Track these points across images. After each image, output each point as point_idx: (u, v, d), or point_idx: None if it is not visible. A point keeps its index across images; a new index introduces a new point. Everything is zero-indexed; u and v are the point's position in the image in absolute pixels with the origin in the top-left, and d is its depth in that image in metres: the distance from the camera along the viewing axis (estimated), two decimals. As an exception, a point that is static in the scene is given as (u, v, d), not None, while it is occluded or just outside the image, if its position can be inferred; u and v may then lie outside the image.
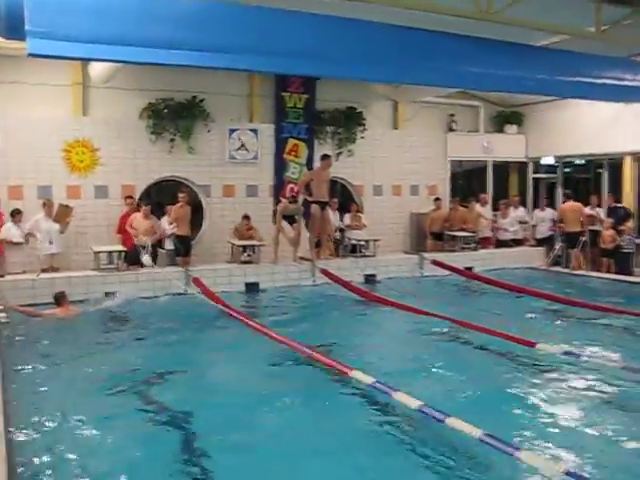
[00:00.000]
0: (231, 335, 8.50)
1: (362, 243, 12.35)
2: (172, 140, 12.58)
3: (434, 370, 6.95)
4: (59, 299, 8.97)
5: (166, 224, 11.71)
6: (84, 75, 11.96)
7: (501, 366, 7.19)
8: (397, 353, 8.20)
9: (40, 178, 11.62)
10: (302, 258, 11.79)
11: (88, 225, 11.78)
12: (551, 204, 16.00)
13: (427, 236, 14.36)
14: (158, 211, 12.04)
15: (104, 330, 8.71)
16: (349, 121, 14.34)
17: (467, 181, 17.47)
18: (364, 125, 14.50)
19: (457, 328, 8.48)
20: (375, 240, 12.64)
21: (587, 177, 17.21)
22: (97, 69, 11.26)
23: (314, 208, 11.63)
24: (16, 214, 10.73)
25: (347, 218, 13.63)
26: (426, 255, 12.73)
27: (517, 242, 15.14)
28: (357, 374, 5.86)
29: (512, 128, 16.58)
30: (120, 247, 10.62)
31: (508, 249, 14.45)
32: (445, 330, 8.58)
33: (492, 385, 6.48)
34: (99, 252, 10.19)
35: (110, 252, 10.28)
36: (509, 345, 7.50)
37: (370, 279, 12.02)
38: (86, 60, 6.81)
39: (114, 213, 12.07)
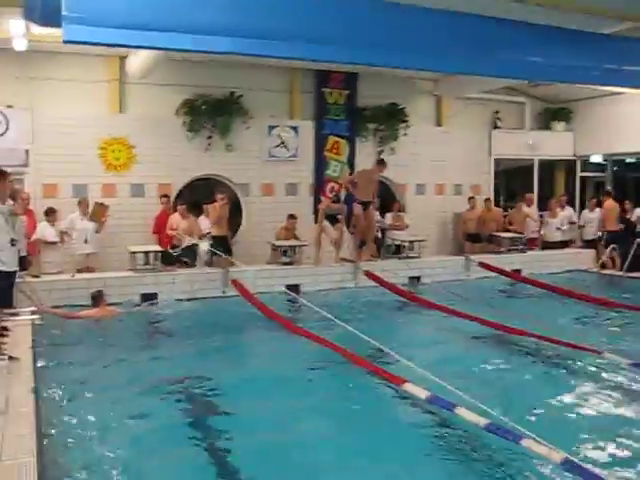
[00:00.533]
0: (272, 339, 8.10)
1: (406, 244, 11.81)
2: (209, 137, 12.23)
3: (490, 381, 6.49)
4: (96, 298, 8.65)
5: (205, 223, 11.33)
6: (121, 71, 11.66)
7: (564, 376, 6.66)
8: (447, 361, 7.60)
9: (75, 176, 11.34)
10: (344, 259, 11.32)
11: (124, 224, 11.45)
12: (599, 204, 15.29)
13: (461, 238, 13.81)
14: (193, 211, 11.67)
15: (140, 333, 8.38)
16: (391, 118, 13.85)
17: (512, 180, 16.85)
18: (407, 122, 13.97)
19: (511, 335, 7.95)
20: (420, 241, 12.11)
21: (638, 176, 16.48)
22: (134, 64, 10.94)
23: (357, 208, 11.15)
24: (50, 213, 10.43)
25: (389, 218, 13.13)
26: (473, 257, 12.15)
27: (564, 244, 14.48)
28: (410, 387, 5.36)
29: (559, 125, 15.92)
30: (157, 247, 10.26)
31: (557, 251, 13.78)
32: (497, 337, 8.06)
33: (555, 397, 5.96)
34: (135, 252, 9.83)
35: (146, 252, 9.92)
36: (570, 353, 6.97)
37: (414, 281, 11.48)
38: (123, 46, 6.36)
39: (150, 212, 11.74)
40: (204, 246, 9.88)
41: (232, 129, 12.35)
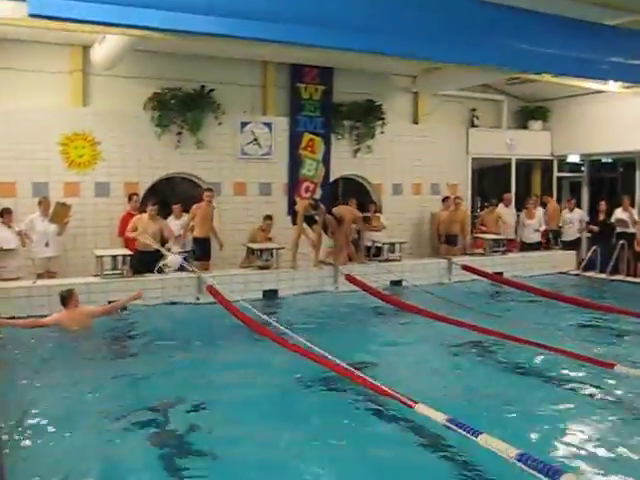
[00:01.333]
0: (252, 351, 7.51)
1: (386, 246, 11.32)
2: (179, 133, 11.56)
3: (490, 398, 5.97)
4: (66, 298, 7.77)
5: (174, 225, 10.67)
6: (85, 61, 10.92)
7: (571, 392, 6.22)
8: (439, 373, 7.17)
9: (35, 174, 10.57)
10: (322, 262, 10.78)
11: (88, 226, 10.77)
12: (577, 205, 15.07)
13: (436, 239, 13.40)
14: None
15: (106, 346, 7.66)
16: (368, 115, 13.35)
17: (487, 180, 16.55)
18: (383, 119, 13.49)
19: (506, 344, 7.50)
20: (401, 243, 11.64)
21: (613, 176, 16.33)
22: (99, 54, 10.21)
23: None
24: (6, 214, 9.64)
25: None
26: (455, 259, 11.73)
27: (541, 245, 14.21)
28: (423, 408, 4.81)
29: (537, 124, 15.64)
30: (125, 251, 9.54)
31: (537, 253, 13.47)
32: (493, 346, 7.63)
33: (566, 420, 5.50)
34: (102, 256, 9.10)
35: (114, 256, 9.20)
36: (573, 364, 6.56)
37: (396, 286, 11.01)
38: (90, 23, 5.67)
39: (116, 213, 11.04)
40: (174, 262, 9.15)
41: (203, 125, 11.71)
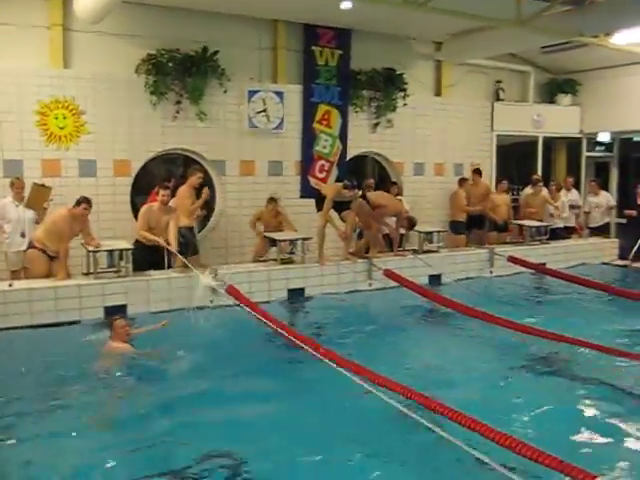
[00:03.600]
0: (296, 369, 5.95)
1: (422, 236, 9.75)
2: (178, 103, 9.81)
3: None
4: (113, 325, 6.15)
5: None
6: (65, 13, 9.08)
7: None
8: (503, 388, 5.74)
9: (6, 150, 8.79)
10: (353, 254, 9.18)
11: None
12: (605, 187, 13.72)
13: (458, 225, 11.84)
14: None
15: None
16: (389, 85, 11.72)
17: (509, 159, 15.04)
18: (405, 90, 11.88)
19: (574, 350, 6.31)
20: (439, 231, 10.07)
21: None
22: (83, 5, 8.38)
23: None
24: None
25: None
26: (498, 250, 10.23)
27: (568, 231, 12.81)
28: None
29: (566, 98, 14.17)
30: (124, 244, 7.78)
31: (579, 241, 12.06)
32: (562, 353, 6.31)
33: None
34: (95, 251, 7.34)
35: (110, 251, 7.44)
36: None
37: (435, 280, 9.49)
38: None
39: (104, 196, 9.31)
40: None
41: (205, 93, 9.95)
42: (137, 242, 7.83)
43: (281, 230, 9.43)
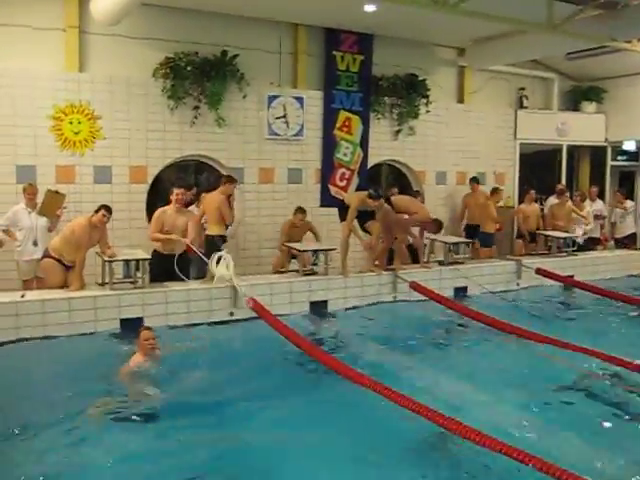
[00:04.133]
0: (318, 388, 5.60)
1: (449, 246, 9.38)
2: (196, 108, 9.52)
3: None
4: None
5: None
6: (82, 15, 8.82)
7: None
8: (542, 411, 5.35)
9: (20, 155, 8.51)
10: (377, 266, 8.82)
11: (86, 219, 8.66)
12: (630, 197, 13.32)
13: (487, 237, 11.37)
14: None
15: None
16: (411, 91, 11.39)
17: (531, 168, 14.65)
18: (428, 97, 11.55)
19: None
20: (467, 243, 9.70)
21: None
22: (100, 7, 8.12)
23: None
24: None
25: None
26: (526, 262, 9.86)
27: (593, 242, 12.43)
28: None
29: (590, 106, 13.80)
30: (141, 253, 7.46)
31: (605, 253, 11.67)
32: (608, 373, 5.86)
33: None
34: (112, 261, 7.02)
35: (127, 261, 7.12)
36: None
37: (460, 293, 9.12)
38: None
39: (120, 203, 9.00)
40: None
41: (224, 98, 9.65)
42: (155, 252, 7.50)
43: (300, 241, 9.09)
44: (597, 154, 14.37)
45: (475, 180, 11.67)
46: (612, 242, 12.56)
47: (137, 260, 7.10)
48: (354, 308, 8.23)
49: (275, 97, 10.17)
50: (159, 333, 6.53)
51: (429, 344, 7.15)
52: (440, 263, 9.34)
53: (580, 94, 13.82)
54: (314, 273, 8.18)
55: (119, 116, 9.07)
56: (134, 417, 4.84)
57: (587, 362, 6.19)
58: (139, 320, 6.80)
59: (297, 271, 8.46)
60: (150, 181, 9.41)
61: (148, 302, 6.94)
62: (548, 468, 3.60)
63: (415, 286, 8.20)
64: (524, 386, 5.83)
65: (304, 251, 8.13)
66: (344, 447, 4.44)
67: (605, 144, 14.02)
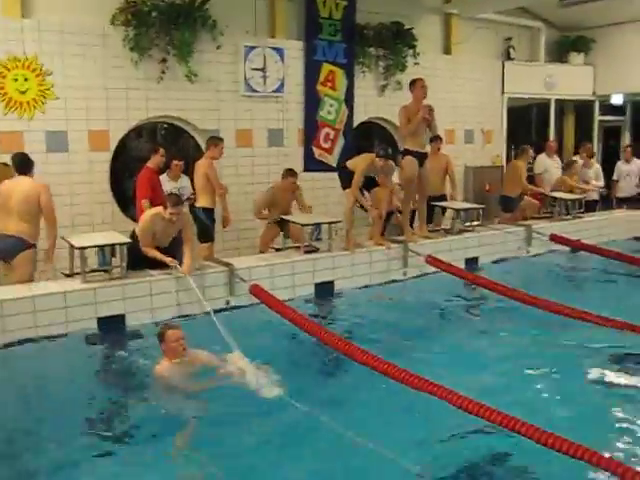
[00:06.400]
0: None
1: (462, 213, 8.39)
2: (163, 61, 8.17)
3: None
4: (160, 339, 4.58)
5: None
6: (23, -52, 7.31)
7: None
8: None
9: (-46, 120, 7.05)
10: (387, 239, 7.76)
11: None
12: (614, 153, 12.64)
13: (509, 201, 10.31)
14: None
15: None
16: (398, 41, 10.28)
17: (519, 124, 13.75)
18: (415, 48, 10.46)
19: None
20: (478, 208, 8.72)
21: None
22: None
23: (410, 162, 7.57)
24: None
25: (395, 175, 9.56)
26: (536, 227, 8.99)
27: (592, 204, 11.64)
28: None
29: (578, 57, 12.96)
30: (118, 237, 6.16)
31: (611, 214, 10.89)
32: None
33: None
34: (83, 248, 5.72)
35: (102, 247, 5.83)
36: None
37: (472, 264, 8.21)
38: None
39: (78, 175, 7.69)
40: None
41: (195, 50, 8.34)
42: (135, 234, 6.22)
43: (286, 211, 7.97)
44: (582, 109, 13.62)
45: (439, 139, 9.54)
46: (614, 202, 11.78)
47: (114, 245, 5.82)
48: (364, 288, 7.17)
49: (253, 48, 8.89)
50: (145, 331, 5.40)
51: (450, 323, 6.24)
52: (447, 232, 8.35)
53: (568, 45, 12.98)
54: (316, 250, 7.06)
55: (73, 72, 7.67)
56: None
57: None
58: (120, 318, 5.58)
59: (290, 248, 7.36)
60: (113, 148, 8.06)
61: (130, 296, 5.70)
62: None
63: (432, 261, 7.19)
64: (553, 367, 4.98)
65: (307, 225, 6.98)
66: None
67: (593, 98, 13.23)
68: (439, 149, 9.15)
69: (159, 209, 5.99)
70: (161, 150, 7.29)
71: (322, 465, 3.67)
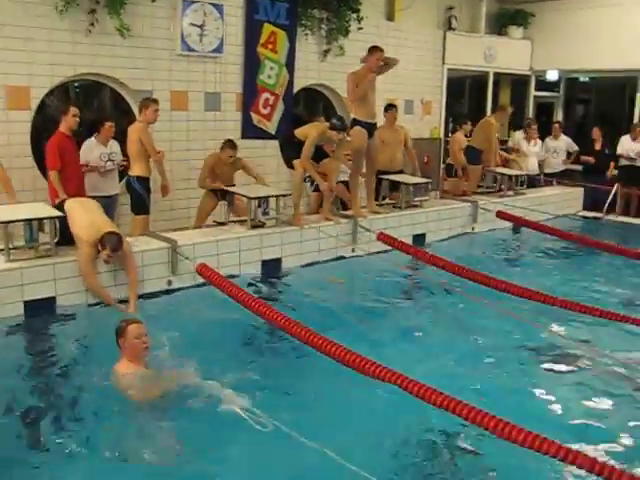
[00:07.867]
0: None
1: (410, 188, 8.08)
2: (92, 12, 7.39)
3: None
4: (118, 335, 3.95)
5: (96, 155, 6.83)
6: None
7: None
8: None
9: None
10: (335, 213, 7.38)
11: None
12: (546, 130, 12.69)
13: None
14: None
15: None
16: (342, 4, 9.80)
17: (455, 96, 13.63)
18: (359, 12, 10.02)
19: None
20: (426, 183, 8.41)
21: (587, 98, 14.23)
22: None
23: (359, 132, 7.16)
24: None
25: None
26: (483, 203, 8.83)
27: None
28: None
29: (517, 31, 12.86)
30: (50, 210, 5.47)
31: (548, 191, 10.92)
32: None
33: None
34: (8, 222, 5.01)
35: (29, 221, 5.13)
36: None
37: (419, 240, 7.97)
38: None
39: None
40: None
41: (128, 1, 7.59)
42: (62, 204, 5.54)
43: (229, 182, 7.45)
44: (518, 83, 13.60)
45: (394, 107, 9.27)
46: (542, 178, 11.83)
47: (41, 219, 5.15)
48: (312, 265, 6.79)
49: (192, 3, 8.21)
50: (79, 316, 4.84)
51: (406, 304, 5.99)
52: (395, 207, 8.05)
53: (507, 17, 12.83)
54: (262, 225, 6.59)
55: (-11, 20, 6.80)
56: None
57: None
58: (51, 300, 4.97)
59: (234, 222, 6.88)
60: (35, 106, 7.26)
61: (60, 275, 5.08)
62: None
63: (385, 238, 6.86)
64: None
65: (256, 198, 6.47)
66: None
67: (529, 73, 13.22)
68: (395, 119, 8.72)
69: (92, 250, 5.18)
70: (72, 109, 6.55)
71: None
